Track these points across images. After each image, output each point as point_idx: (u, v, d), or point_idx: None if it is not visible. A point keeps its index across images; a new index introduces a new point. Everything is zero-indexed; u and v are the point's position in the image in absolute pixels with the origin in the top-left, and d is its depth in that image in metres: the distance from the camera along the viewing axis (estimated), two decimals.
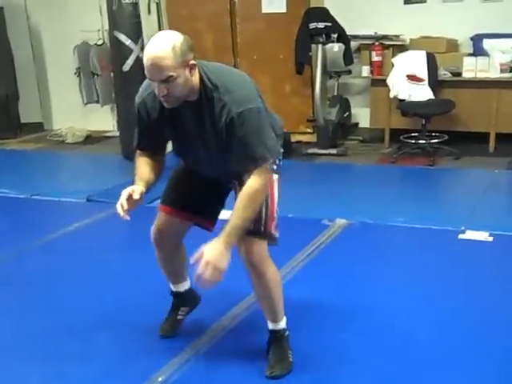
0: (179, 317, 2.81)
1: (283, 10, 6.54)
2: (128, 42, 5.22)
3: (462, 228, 3.97)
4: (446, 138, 5.96)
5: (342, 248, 3.80)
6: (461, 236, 3.88)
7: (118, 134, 6.36)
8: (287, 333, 2.58)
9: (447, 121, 5.93)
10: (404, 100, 5.99)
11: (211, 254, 2.18)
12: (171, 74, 2.13)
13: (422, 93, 5.94)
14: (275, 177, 2.53)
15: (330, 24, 6.07)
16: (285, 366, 2.52)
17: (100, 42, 7.25)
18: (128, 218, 2.30)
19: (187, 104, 2.27)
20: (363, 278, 3.38)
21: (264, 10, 6.64)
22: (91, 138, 7.44)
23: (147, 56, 2.15)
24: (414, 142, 6.01)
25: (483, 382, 2.44)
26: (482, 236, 3.86)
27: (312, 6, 6.32)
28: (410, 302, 3.10)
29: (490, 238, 3.83)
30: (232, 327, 2.88)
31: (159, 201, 2.64)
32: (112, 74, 6.02)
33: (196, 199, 2.53)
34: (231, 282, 2.97)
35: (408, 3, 6.33)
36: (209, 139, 2.32)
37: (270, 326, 2.56)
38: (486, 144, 6.00)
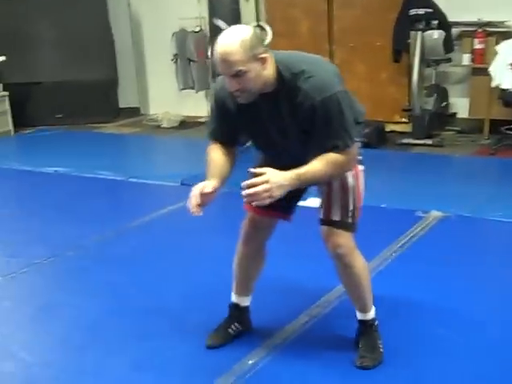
0: (230, 330, 2.70)
1: None
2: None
3: None
4: None
5: (437, 241, 3.70)
6: None
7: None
8: (377, 323, 2.56)
9: None
10: (507, 89, 5.74)
11: (273, 176, 2.13)
12: (241, 68, 2.12)
13: None
14: (361, 167, 2.47)
15: (430, 10, 5.89)
16: (376, 356, 2.50)
17: (197, 29, 7.35)
18: (201, 213, 2.27)
19: (264, 96, 2.24)
20: (457, 274, 3.27)
21: None
22: (186, 123, 7.59)
23: (217, 51, 2.15)
24: None
25: None
26: None
27: None
28: (504, 298, 2.99)
29: None
30: (321, 315, 2.87)
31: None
32: (208, 61, 6.10)
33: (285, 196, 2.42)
34: (319, 270, 2.99)
35: None
36: (288, 129, 2.30)
37: (359, 316, 2.55)
38: None
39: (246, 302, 2.73)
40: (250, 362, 2.51)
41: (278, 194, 2.14)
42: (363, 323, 2.55)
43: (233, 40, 2.12)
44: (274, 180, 2.12)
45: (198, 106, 7.70)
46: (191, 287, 3.22)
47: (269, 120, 2.31)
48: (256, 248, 2.61)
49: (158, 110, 7.88)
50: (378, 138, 6.13)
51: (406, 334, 2.71)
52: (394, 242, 3.65)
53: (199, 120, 7.60)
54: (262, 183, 2.12)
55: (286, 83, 2.21)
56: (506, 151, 5.65)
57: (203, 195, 2.27)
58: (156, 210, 4.44)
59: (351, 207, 2.40)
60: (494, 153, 5.63)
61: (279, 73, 2.21)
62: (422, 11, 5.89)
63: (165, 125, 7.50)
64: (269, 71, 2.19)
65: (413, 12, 5.91)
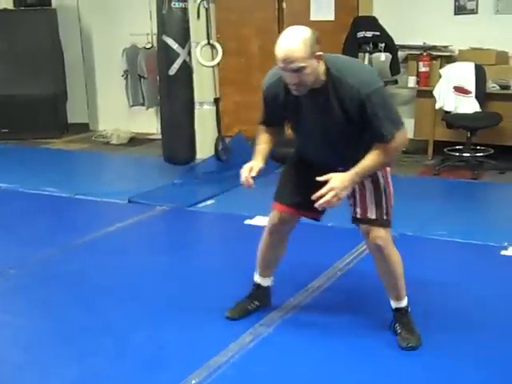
0: (249, 307, 3.00)
1: (331, 17, 6.53)
2: (175, 46, 5.26)
3: (505, 244, 3.89)
4: (492, 151, 5.85)
5: None
6: (503, 252, 3.81)
7: (161, 136, 6.43)
8: (410, 310, 2.81)
9: (493, 134, 5.82)
10: (450, 112, 5.91)
11: (337, 182, 2.42)
12: (302, 64, 2.36)
13: (469, 105, 5.85)
14: (388, 168, 2.72)
15: (378, 33, 6.04)
16: (417, 337, 2.73)
17: (148, 46, 7.34)
18: (253, 185, 2.61)
19: (312, 92, 2.47)
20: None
21: (312, 18, 6.63)
22: (135, 140, 7.54)
23: (280, 49, 2.38)
24: (458, 154, 5.93)
25: None
26: None
27: (360, 14, 6.30)
28: (446, 317, 3.04)
29: None
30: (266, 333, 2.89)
31: (274, 197, 2.86)
32: (158, 78, 6.09)
33: (306, 195, 2.56)
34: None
35: (458, 14, 6.25)
36: (334, 123, 2.51)
37: (394, 304, 2.81)
38: None
39: (267, 282, 3.02)
40: (193, 381, 2.49)
41: (344, 194, 2.46)
42: (399, 310, 2.80)
43: (295, 39, 2.37)
44: (338, 185, 2.42)
45: (148, 122, 7.67)
46: (136, 305, 3.18)
47: (315, 113, 2.53)
48: (279, 238, 2.90)
49: (108, 127, 7.81)
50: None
51: (353, 352, 2.73)
52: (339, 260, 3.69)
53: (149, 137, 7.56)
54: (329, 191, 2.41)
55: (334, 79, 2.46)
56: (448, 172, 5.79)
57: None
58: (103, 228, 4.38)
59: (385, 205, 2.66)
60: (437, 173, 5.77)
61: (328, 70, 2.46)
62: (369, 34, 6.03)
63: (114, 141, 7.44)
64: (321, 68, 2.44)
65: (361, 34, 6.04)
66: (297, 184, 2.79)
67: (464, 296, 3.27)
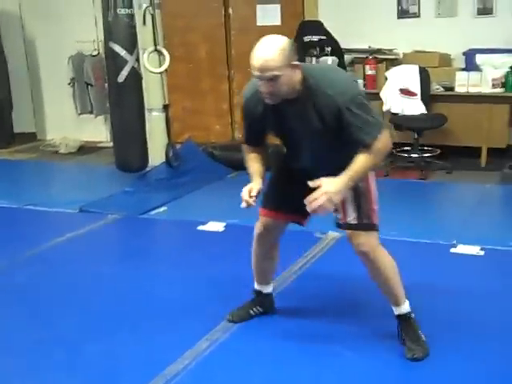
0: (251, 312, 3.03)
1: (278, 22, 6.58)
2: (123, 52, 5.22)
3: (454, 242, 3.98)
4: (439, 152, 5.98)
5: (335, 260, 3.80)
6: (452, 250, 3.89)
7: (111, 144, 6.37)
8: (413, 315, 2.76)
9: (439, 135, 5.96)
10: (397, 114, 6.02)
11: (329, 186, 2.40)
12: (277, 73, 2.36)
13: (415, 107, 5.97)
14: (371, 173, 2.69)
15: (324, 37, 6.12)
16: (422, 346, 2.69)
17: (95, 53, 7.26)
18: (254, 204, 2.58)
19: (289, 101, 2.48)
20: (354, 290, 3.38)
21: (259, 23, 6.67)
22: (84, 149, 7.44)
23: (256, 57, 2.39)
24: (406, 155, 6.03)
25: None
26: (474, 250, 3.87)
27: (306, 19, 6.37)
28: None
29: (482, 253, 3.84)
30: (222, 339, 2.88)
31: (260, 204, 2.80)
32: (106, 85, 6.03)
33: (292, 200, 2.66)
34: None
35: (402, 17, 6.38)
36: (312, 131, 2.53)
37: (395, 311, 2.76)
38: (477, 158, 6.03)
39: (267, 289, 3.04)
40: None
41: (337, 198, 2.44)
42: (400, 317, 2.75)
43: (272, 47, 2.38)
44: (331, 189, 2.40)
45: (97, 130, 7.58)
46: (89, 316, 3.14)
47: (295, 121, 2.55)
48: (269, 246, 2.89)
49: (56, 135, 7.68)
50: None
51: (306, 357, 2.75)
52: (293, 262, 3.72)
53: (98, 145, 7.47)
54: (322, 195, 2.38)
55: (311, 88, 2.47)
56: (397, 173, 5.89)
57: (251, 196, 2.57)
58: (53, 238, 4.31)
59: (365, 209, 2.63)
60: (386, 174, 5.86)
61: (304, 79, 2.46)
62: (315, 38, 6.10)
63: (62, 150, 7.32)
64: (297, 77, 2.44)
65: (307, 39, 6.11)
66: (282, 189, 2.79)
67: (415, 294, 3.32)
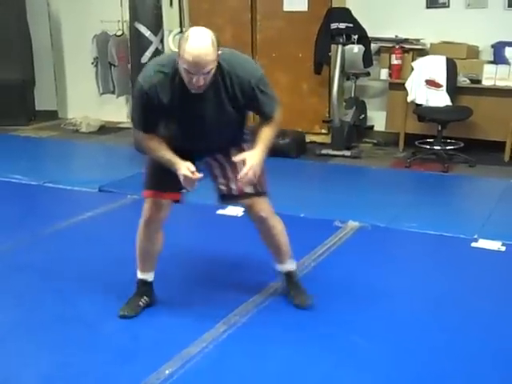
0: (141, 303, 2.98)
1: (305, 8, 6.50)
2: (148, 33, 5.21)
3: (475, 236, 3.94)
4: (462, 145, 5.91)
5: (354, 250, 3.78)
6: (473, 244, 3.85)
7: (131, 125, 6.37)
8: (297, 272, 3.07)
9: (463, 128, 5.89)
10: (421, 105, 5.95)
11: (254, 160, 2.64)
12: (212, 67, 2.46)
13: (440, 98, 5.89)
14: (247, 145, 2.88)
15: (351, 25, 6.04)
16: (309, 296, 3.00)
17: (119, 33, 7.25)
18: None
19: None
20: (372, 281, 3.35)
21: (285, 8, 6.60)
22: (105, 129, 7.45)
23: (193, 53, 2.40)
24: (428, 147, 5.97)
25: None
26: (495, 245, 3.82)
27: (334, 6, 6.28)
28: (418, 308, 3.07)
29: (503, 248, 3.79)
30: (240, 324, 2.88)
31: (145, 187, 2.86)
32: (129, 66, 6.01)
33: (172, 178, 2.70)
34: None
35: (430, 7, 6.28)
36: (221, 112, 2.65)
37: (283, 268, 3.05)
38: (501, 153, 5.96)
39: (151, 277, 3.03)
40: (167, 371, 2.47)
41: (259, 170, 2.67)
42: (288, 274, 3.05)
43: (206, 42, 2.43)
44: (255, 162, 2.63)
45: (119, 111, 7.58)
46: (109, 295, 3.13)
47: (205, 105, 2.62)
48: (156, 229, 2.90)
49: (77, 114, 7.70)
50: (298, 148, 6.22)
51: (323, 343, 2.73)
52: (312, 251, 3.69)
53: (119, 125, 7.48)
54: (250, 169, 2.60)
55: (225, 72, 2.58)
56: (419, 164, 5.84)
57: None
58: (73, 217, 4.32)
59: (259, 179, 2.77)
60: (408, 166, 5.81)
61: (219, 64, 2.55)
62: (342, 25, 6.03)
63: (83, 129, 7.33)
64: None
65: (334, 26, 6.04)
66: (163, 169, 2.73)
67: (435, 286, 3.30)
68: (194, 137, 2.75)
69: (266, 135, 2.75)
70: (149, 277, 3.01)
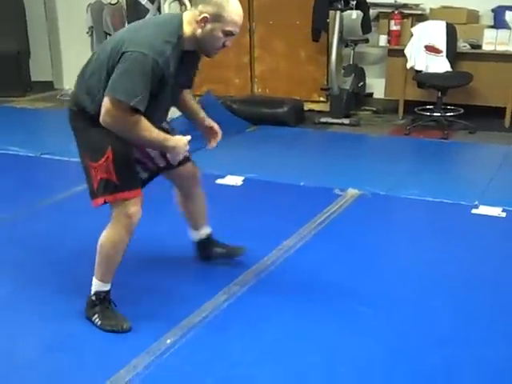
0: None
1: None
2: (144, 1, 5.14)
3: (476, 203, 3.93)
4: (462, 111, 5.87)
5: (354, 218, 3.76)
6: (474, 211, 3.84)
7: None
8: None
9: (463, 94, 5.84)
10: (421, 71, 5.89)
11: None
12: None
13: (440, 64, 5.83)
14: None
15: None
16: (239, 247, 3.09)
17: (114, 1, 7.14)
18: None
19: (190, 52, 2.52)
20: (373, 249, 3.36)
21: None
22: None
23: (239, 13, 2.43)
24: (428, 114, 5.93)
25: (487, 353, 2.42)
26: (495, 211, 3.81)
27: None
28: (420, 275, 3.07)
29: (504, 214, 3.78)
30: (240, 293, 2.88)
31: (123, 188, 2.52)
32: None
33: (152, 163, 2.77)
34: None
35: None
36: (189, 78, 2.70)
37: (206, 231, 3.05)
38: (501, 119, 5.92)
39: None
40: (168, 341, 2.47)
41: None
42: (210, 235, 3.06)
43: (238, 2, 2.45)
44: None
45: None
46: None
47: (185, 72, 2.58)
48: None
49: (73, 85, 7.56)
50: (296, 117, 6.17)
51: (325, 311, 2.73)
52: (312, 219, 3.68)
53: None
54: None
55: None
56: (419, 131, 5.81)
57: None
58: (71, 188, 4.28)
59: None
60: (408, 133, 5.78)
61: None
62: None
63: None
64: None
65: None
66: (132, 163, 2.59)
67: (436, 253, 3.30)
68: (163, 109, 2.64)
69: (196, 105, 2.84)
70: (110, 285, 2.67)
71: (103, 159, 2.48)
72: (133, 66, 2.33)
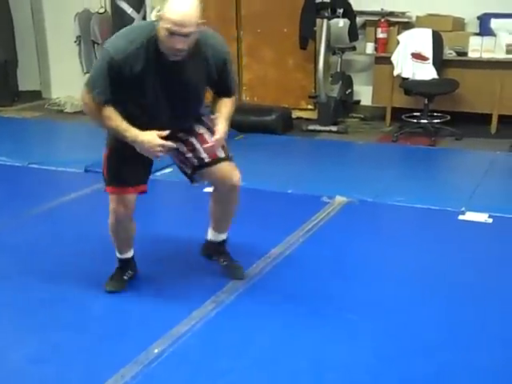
0: (125, 277, 3.01)
1: None
2: (130, 10, 5.15)
3: (462, 209, 3.95)
4: (448, 118, 5.92)
5: (341, 225, 3.77)
6: (460, 217, 3.86)
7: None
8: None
9: (450, 101, 5.88)
10: (407, 78, 5.93)
11: (222, 133, 2.67)
12: (193, 30, 2.44)
13: (426, 72, 5.88)
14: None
15: None
16: (241, 268, 3.07)
17: (101, 11, 7.14)
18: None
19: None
20: (361, 256, 3.36)
21: None
22: None
23: (178, 10, 2.41)
24: (415, 121, 5.97)
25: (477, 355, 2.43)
26: (482, 217, 3.84)
27: None
28: (407, 282, 3.08)
29: (490, 220, 3.81)
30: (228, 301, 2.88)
31: (109, 183, 2.83)
32: None
33: (138, 170, 2.81)
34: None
35: None
36: (194, 86, 2.69)
37: (222, 237, 3.07)
38: (488, 125, 5.97)
39: (130, 253, 3.04)
40: (156, 350, 2.47)
41: (223, 139, 2.71)
42: (222, 243, 3.08)
43: (190, 5, 2.43)
44: (222, 136, 2.67)
45: None
46: (94, 275, 3.11)
47: (180, 77, 2.61)
48: (126, 222, 2.88)
49: (61, 94, 7.60)
50: (284, 124, 6.19)
51: (313, 319, 2.74)
52: (300, 227, 3.69)
53: None
54: (218, 141, 2.66)
55: (201, 43, 2.59)
56: (406, 138, 5.84)
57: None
58: (58, 198, 4.28)
59: (225, 144, 2.80)
60: (395, 140, 5.81)
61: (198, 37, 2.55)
62: None
63: (68, 109, 7.25)
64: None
65: (319, 0, 5.98)
66: (130, 162, 2.74)
67: (423, 259, 3.31)
68: (163, 113, 2.69)
69: (227, 109, 2.77)
70: (128, 254, 3.02)
71: (104, 155, 2.85)
72: (97, 61, 2.75)
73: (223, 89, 2.79)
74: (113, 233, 2.93)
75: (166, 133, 2.58)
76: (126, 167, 2.77)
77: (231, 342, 2.56)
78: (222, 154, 2.81)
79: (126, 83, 2.55)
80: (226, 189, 2.85)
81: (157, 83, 2.60)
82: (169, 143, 2.60)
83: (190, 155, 2.84)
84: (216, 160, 2.80)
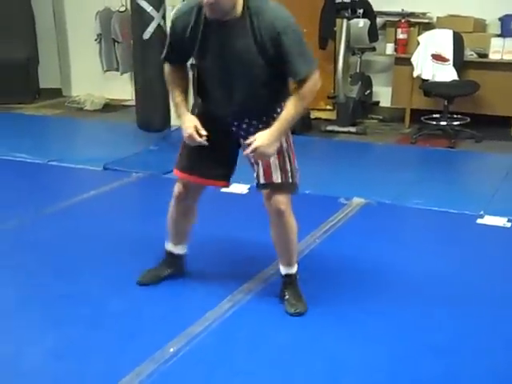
0: (161, 273, 3.02)
1: None
2: (150, 9, 5.14)
3: (481, 213, 3.92)
4: (468, 120, 5.87)
5: (358, 227, 3.77)
6: (479, 221, 3.84)
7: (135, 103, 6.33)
8: (298, 277, 2.85)
9: (470, 103, 5.84)
10: (427, 80, 5.90)
11: (261, 141, 2.46)
12: None
13: (446, 73, 5.84)
14: (289, 132, 2.69)
15: None
16: (304, 303, 2.78)
17: (122, 9, 7.18)
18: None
19: (228, 23, 2.42)
20: (378, 258, 3.35)
21: None
22: (109, 106, 7.41)
23: None
24: (435, 123, 5.93)
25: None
26: (501, 222, 3.81)
27: None
28: (424, 285, 3.07)
29: (509, 224, 3.78)
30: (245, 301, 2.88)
31: (176, 165, 2.82)
32: (132, 42, 5.96)
33: (209, 162, 2.72)
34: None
35: None
36: (248, 61, 2.45)
37: (285, 270, 2.83)
38: (508, 128, 5.92)
39: (179, 250, 3.02)
40: (172, 349, 2.48)
41: (271, 151, 2.50)
42: (289, 276, 2.83)
43: None
44: (262, 144, 2.45)
45: (123, 88, 7.53)
46: (113, 273, 3.14)
47: (231, 48, 2.45)
48: (187, 207, 2.88)
49: (81, 92, 7.66)
50: (303, 125, 6.16)
51: (329, 319, 2.74)
52: (317, 228, 3.68)
53: (123, 103, 7.43)
54: (254, 151, 2.46)
55: (252, 11, 2.40)
56: (425, 140, 5.80)
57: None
58: (77, 195, 4.31)
59: (289, 168, 2.66)
60: (414, 142, 5.78)
61: (246, 2, 2.41)
62: None
63: (88, 107, 7.30)
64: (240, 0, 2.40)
65: (339, 0, 5.97)
66: (199, 152, 2.69)
67: (440, 263, 3.29)
68: (213, 89, 2.61)
69: (289, 109, 2.48)
70: (176, 250, 3.01)
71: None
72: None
73: (289, 72, 2.49)
74: (169, 214, 2.92)
75: (204, 132, 2.56)
76: (193, 155, 2.73)
77: (247, 342, 2.57)
78: (277, 180, 2.63)
79: (186, 43, 2.54)
80: (273, 213, 2.69)
81: (207, 45, 2.50)
82: (198, 139, 2.57)
83: (252, 165, 2.70)
84: (269, 185, 2.64)
